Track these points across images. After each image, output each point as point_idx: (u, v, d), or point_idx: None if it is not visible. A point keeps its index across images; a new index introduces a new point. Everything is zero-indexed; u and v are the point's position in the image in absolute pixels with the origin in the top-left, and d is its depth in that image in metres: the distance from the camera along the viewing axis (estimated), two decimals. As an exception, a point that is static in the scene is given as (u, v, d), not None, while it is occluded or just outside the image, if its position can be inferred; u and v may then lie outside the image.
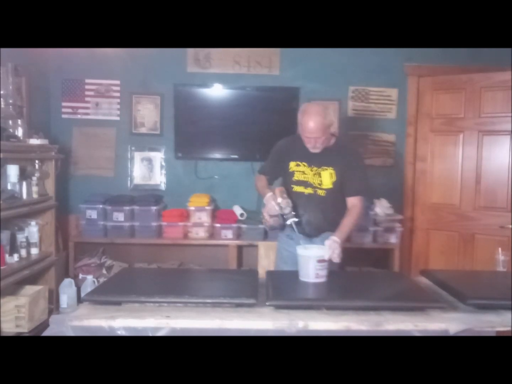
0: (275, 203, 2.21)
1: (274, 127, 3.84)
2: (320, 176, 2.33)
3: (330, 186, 2.33)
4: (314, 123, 2.19)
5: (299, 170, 2.37)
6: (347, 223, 2.24)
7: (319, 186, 2.34)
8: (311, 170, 2.34)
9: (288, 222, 2.21)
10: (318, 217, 2.34)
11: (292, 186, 2.38)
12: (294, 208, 2.24)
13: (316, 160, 2.33)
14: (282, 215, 2.26)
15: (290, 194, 2.31)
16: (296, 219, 2.19)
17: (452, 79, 3.66)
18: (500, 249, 2.30)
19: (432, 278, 2.09)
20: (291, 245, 2.35)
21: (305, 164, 2.35)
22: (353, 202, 2.33)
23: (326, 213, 2.35)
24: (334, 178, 2.32)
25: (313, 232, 2.37)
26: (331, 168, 2.32)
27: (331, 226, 2.26)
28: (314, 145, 2.27)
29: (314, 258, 1.91)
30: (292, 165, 2.38)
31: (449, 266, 3.59)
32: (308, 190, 2.34)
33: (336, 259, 2.01)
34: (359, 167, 2.38)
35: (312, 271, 1.91)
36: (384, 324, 1.56)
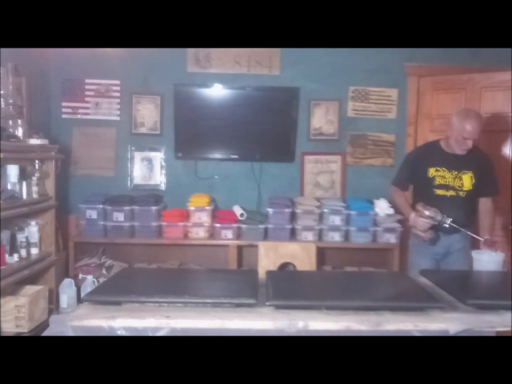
0: (424, 218, 2.54)
1: (274, 127, 3.84)
2: (461, 179, 2.63)
3: (470, 187, 2.65)
4: (476, 127, 2.51)
5: (439, 175, 2.67)
6: (490, 223, 2.67)
7: (460, 188, 2.62)
8: (451, 174, 2.65)
9: (446, 224, 2.52)
10: (460, 215, 2.59)
11: (434, 190, 2.69)
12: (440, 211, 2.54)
13: (455, 165, 2.65)
14: (433, 225, 2.57)
15: (430, 197, 2.65)
16: (450, 219, 2.50)
17: (452, 79, 3.66)
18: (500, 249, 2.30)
19: (432, 278, 2.09)
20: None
21: (444, 169, 2.63)
22: (486, 201, 2.71)
23: (466, 211, 2.64)
24: (473, 181, 2.66)
25: (454, 229, 2.59)
26: (470, 172, 2.65)
27: (470, 222, 2.66)
28: (468, 146, 2.57)
29: (493, 262, 2.16)
30: (432, 170, 2.66)
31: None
32: (450, 193, 2.64)
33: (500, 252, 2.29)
34: (492, 171, 2.73)
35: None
36: (384, 324, 1.56)
